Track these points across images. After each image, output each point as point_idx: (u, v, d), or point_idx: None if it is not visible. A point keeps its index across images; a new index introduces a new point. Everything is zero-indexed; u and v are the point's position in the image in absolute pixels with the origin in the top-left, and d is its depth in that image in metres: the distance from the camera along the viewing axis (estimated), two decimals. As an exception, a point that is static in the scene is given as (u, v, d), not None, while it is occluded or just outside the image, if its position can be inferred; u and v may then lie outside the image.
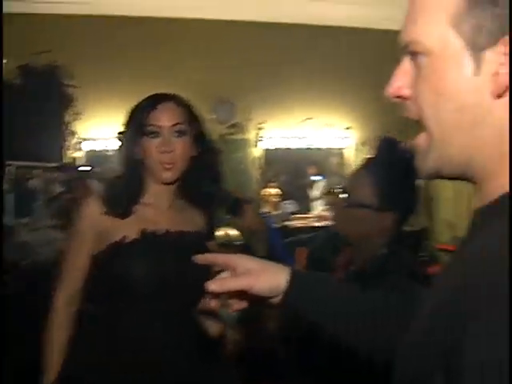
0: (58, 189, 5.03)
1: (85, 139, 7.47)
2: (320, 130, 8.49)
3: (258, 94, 7.77)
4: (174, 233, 2.26)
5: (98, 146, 7.54)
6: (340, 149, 8.78)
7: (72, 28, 7.12)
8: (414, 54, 0.94)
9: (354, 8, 7.37)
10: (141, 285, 2.15)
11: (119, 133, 2.32)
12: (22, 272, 4.53)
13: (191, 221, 2.35)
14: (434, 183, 7.09)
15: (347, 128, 8.60)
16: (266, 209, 7.85)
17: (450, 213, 7.79)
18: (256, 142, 8.28)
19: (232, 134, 7.89)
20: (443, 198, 7.81)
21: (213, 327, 2.23)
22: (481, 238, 0.87)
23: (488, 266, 0.77)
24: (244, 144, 8.21)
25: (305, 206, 8.66)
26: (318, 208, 8.62)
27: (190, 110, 2.30)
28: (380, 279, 1.85)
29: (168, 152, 2.20)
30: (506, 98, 0.86)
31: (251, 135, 8.24)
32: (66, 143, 7.17)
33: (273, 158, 8.45)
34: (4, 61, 5.71)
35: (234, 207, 2.69)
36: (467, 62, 0.87)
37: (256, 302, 1.35)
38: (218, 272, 1.39)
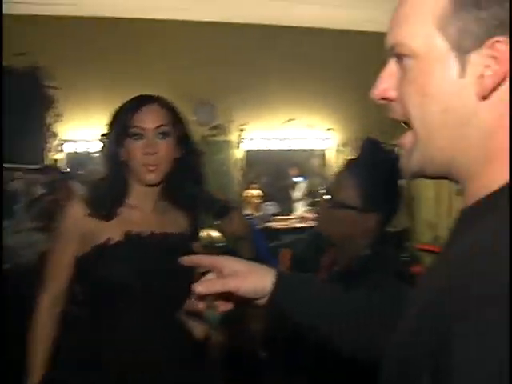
0: (39, 191, 5.01)
1: (66, 141, 7.43)
2: (301, 131, 8.50)
3: (239, 95, 7.76)
4: (159, 234, 2.26)
5: (79, 148, 7.49)
6: (321, 150, 8.78)
7: (53, 29, 7.07)
8: (399, 57, 0.95)
9: (336, 10, 7.38)
10: (125, 287, 2.15)
11: (103, 134, 2.32)
12: (4, 274, 4.50)
13: (175, 222, 2.35)
14: (415, 183, 7.11)
15: (328, 129, 8.60)
16: (247, 210, 7.85)
17: (431, 213, 7.81)
18: (238, 144, 8.27)
19: (214, 135, 7.87)
20: (424, 198, 7.82)
21: (197, 329, 2.23)
22: (468, 237, 0.88)
23: (478, 264, 0.78)
24: (226, 146, 8.19)
25: (287, 207, 8.66)
26: (300, 209, 8.64)
27: (174, 112, 2.30)
28: (364, 279, 1.86)
29: (152, 154, 2.20)
30: (491, 100, 0.88)
31: (233, 137, 8.23)
32: (48, 145, 7.12)
33: (254, 159, 8.43)
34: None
35: (221, 213, 2.68)
36: (452, 65, 0.89)
37: (242, 303, 1.35)
38: (203, 274, 1.39)
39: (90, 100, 7.15)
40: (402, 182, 2.10)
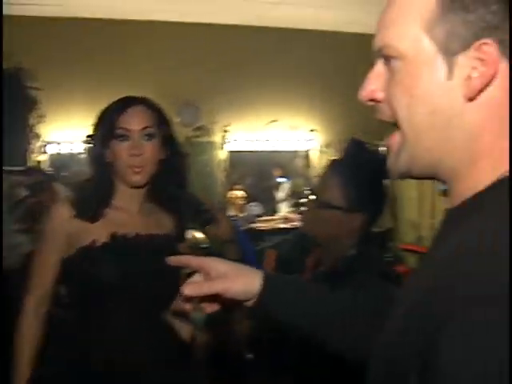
0: (23, 192, 4.97)
1: (49, 142, 7.40)
2: (285, 132, 8.51)
3: (223, 96, 7.76)
4: (144, 236, 2.26)
5: (62, 149, 7.47)
6: (305, 151, 8.80)
7: (36, 30, 7.04)
8: (387, 58, 0.96)
9: (319, 11, 7.40)
10: (111, 288, 2.15)
11: (88, 136, 2.31)
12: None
13: (161, 224, 2.35)
14: (398, 183, 7.13)
15: (312, 130, 8.63)
16: (232, 211, 7.86)
17: (414, 213, 7.84)
18: (222, 145, 8.27)
19: (197, 136, 7.87)
20: (407, 198, 7.85)
21: (184, 329, 2.23)
22: (453, 237, 0.89)
23: (464, 265, 0.79)
24: (210, 147, 8.19)
25: (270, 208, 8.67)
26: (284, 210, 8.66)
27: (160, 113, 2.30)
28: (349, 279, 1.87)
29: (137, 155, 2.20)
30: (478, 102, 0.89)
31: (217, 138, 8.23)
32: (31, 146, 7.09)
33: (238, 160, 8.44)
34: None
35: (207, 221, 2.68)
36: (440, 67, 0.90)
37: (229, 305, 1.36)
38: (189, 274, 1.39)
39: (74, 101, 7.13)
40: (385, 182, 2.12)
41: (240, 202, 8.28)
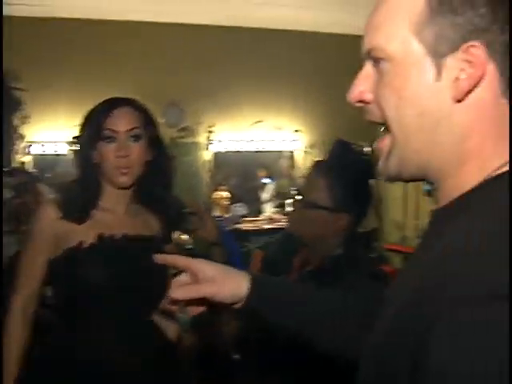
0: (7, 194, 4.95)
1: (33, 143, 7.37)
2: (269, 132, 8.52)
3: (207, 97, 7.76)
4: (131, 237, 2.26)
5: (46, 150, 7.44)
6: (289, 152, 8.82)
7: (20, 31, 7.01)
8: (376, 60, 0.96)
9: (300, 12, 7.41)
10: (98, 289, 2.15)
11: (75, 137, 2.31)
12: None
13: (147, 225, 2.35)
14: (383, 183, 7.17)
15: (296, 131, 8.65)
16: (216, 212, 7.86)
17: (399, 213, 7.87)
18: (206, 146, 8.27)
19: (182, 137, 7.86)
20: (391, 199, 7.88)
21: (170, 329, 2.24)
22: (441, 237, 0.89)
23: (451, 265, 0.80)
24: (194, 147, 8.18)
25: (255, 209, 8.68)
26: (268, 210, 8.66)
27: (146, 114, 2.30)
28: (337, 279, 1.88)
29: (124, 157, 2.19)
30: (466, 103, 0.90)
31: (201, 138, 8.23)
32: (15, 147, 7.06)
33: (223, 161, 8.44)
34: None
35: (193, 222, 2.66)
36: (428, 69, 0.90)
37: (216, 307, 1.36)
38: (176, 274, 1.39)
39: (58, 102, 7.11)
40: (371, 183, 2.13)
41: (225, 203, 8.28)
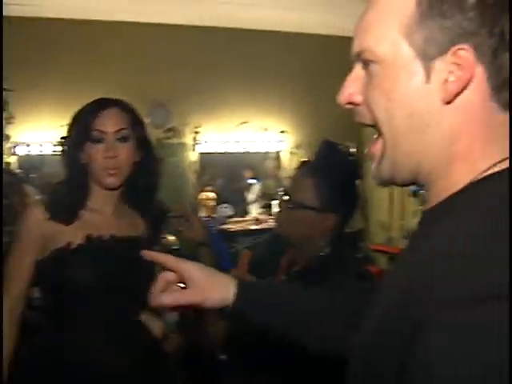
0: (-8, 195, 4.92)
1: (18, 143, 7.33)
2: (255, 133, 8.52)
3: (193, 97, 7.75)
4: (120, 238, 2.26)
5: (31, 151, 7.40)
6: (275, 152, 8.82)
7: (4, 30, 6.97)
8: (365, 62, 0.97)
9: (286, 13, 7.41)
10: (86, 289, 2.15)
11: (62, 137, 2.30)
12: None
13: (135, 226, 2.35)
14: (369, 184, 7.19)
15: (282, 132, 8.65)
16: (203, 213, 7.86)
17: (384, 214, 7.90)
18: (193, 146, 8.26)
19: (168, 138, 7.84)
20: (377, 199, 7.91)
21: (156, 326, 2.25)
22: (427, 239, 0.91)
23: (436, 268, 0.80)
24: (180, 148, 8.16)
25: (241, 210, 8.69)
26: (254, 211, 8.67)
27: (134, 115, 2.30)
28: (324, 279, 1.89)
29: (112, 158, 2.19)
30: (454, 105, 0.91)
31: (187, 139, 8.21)
32: (0, 148, 7.02)
33: (209, 161, 8.43)
34: None
35: (179, 224, 2.66)
36: (418, 71, 0.92)
37: (203, 310, 1.38)
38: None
39: (43, 102, 7.07)
40: (357, 183, 2.14)
41: (211, 204, 8.27)
